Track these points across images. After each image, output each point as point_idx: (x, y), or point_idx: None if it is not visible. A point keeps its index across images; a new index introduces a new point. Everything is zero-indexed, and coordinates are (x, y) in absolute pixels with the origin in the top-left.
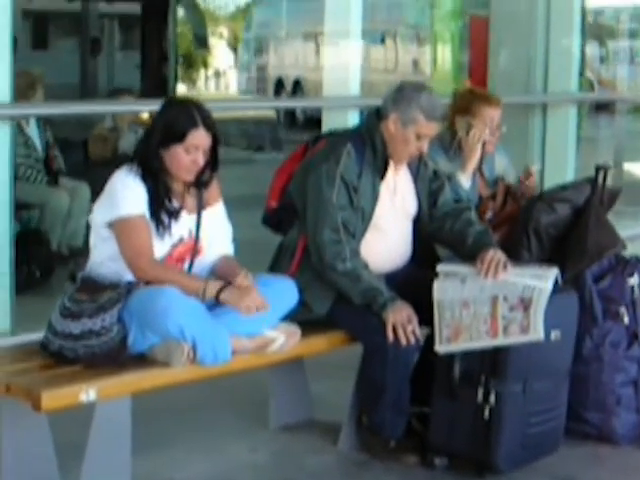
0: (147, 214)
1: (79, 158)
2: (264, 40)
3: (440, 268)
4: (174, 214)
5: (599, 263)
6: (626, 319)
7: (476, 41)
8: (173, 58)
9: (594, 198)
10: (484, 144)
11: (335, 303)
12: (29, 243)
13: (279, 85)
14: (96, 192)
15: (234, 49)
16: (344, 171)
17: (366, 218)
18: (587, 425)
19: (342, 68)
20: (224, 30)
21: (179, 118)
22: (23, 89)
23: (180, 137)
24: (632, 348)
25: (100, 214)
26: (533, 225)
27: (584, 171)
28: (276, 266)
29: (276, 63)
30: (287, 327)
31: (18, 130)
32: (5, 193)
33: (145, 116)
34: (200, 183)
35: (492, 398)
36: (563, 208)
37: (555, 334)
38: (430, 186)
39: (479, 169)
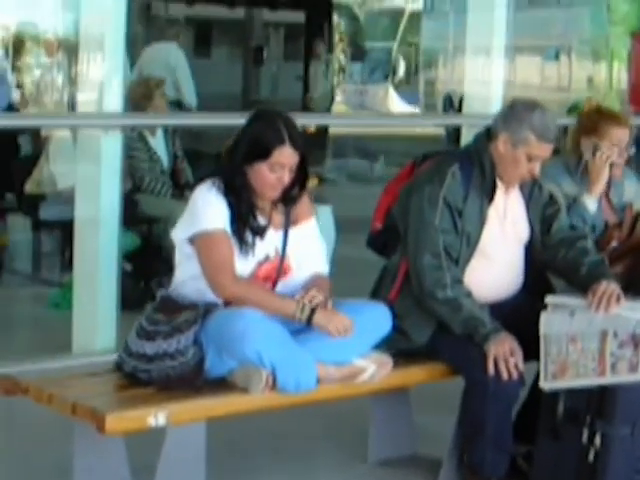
0: (229, 231)
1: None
2: (433, 53)
3: (549, 300)
4: (259, 231)
5: None
6: None
7: (638, 60)
8: (332, 69)
9: None
10: (612, 166)
11: (436, 332)
12: (148, 258)
13: (447, 101)
14: None
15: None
16: (447, 193)
17: (472, 243)
18: None
19: (484, 84)
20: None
21: (265, 133)
22: (139, 99)
23: (265, 154)
24: None
25: (182, 230)
26: None
27: None
28: (377, 291)
29: (445, 78)
30: (379, 357)
31: (141, 141)
32: (114, 209)
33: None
34: (288, 199)
35: (597, 440)
36: None
37: None
38: (544, 211)
39: (606, 194)
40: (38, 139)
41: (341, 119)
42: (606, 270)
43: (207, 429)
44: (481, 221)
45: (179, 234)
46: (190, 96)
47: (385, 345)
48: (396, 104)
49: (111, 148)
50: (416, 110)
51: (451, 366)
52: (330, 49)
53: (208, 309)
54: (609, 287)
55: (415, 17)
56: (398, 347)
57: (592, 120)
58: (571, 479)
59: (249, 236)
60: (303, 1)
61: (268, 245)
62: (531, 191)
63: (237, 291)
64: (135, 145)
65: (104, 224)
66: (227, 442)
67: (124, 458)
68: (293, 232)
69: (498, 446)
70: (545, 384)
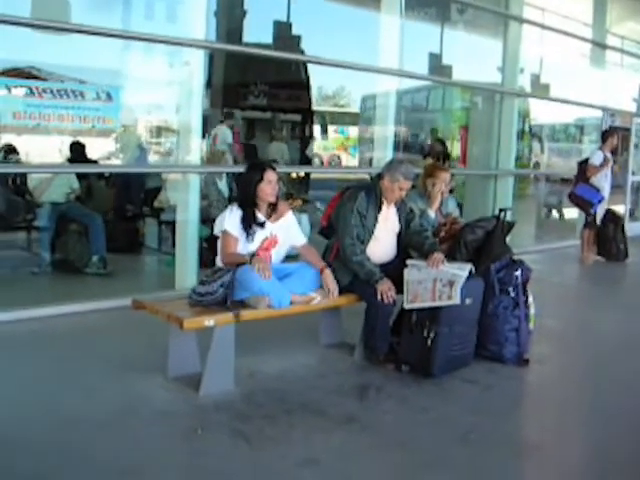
0: (240, 229)
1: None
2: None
3: (409, 262)
4: (261, 224)
5: (500, 262)
6: (512, 294)
7: (463, 142)
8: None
9: (497, 226)
10: (442, 193)
11: (352, 279)
12: (213, 241)
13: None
14: None
15: None
16: (358, 206)
17: (370, 233)
18: (489, 352)
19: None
20: None
21: (258, 167)
22: (218, 157)
23: (260, 178)
24: (515, 310)
25: (217, 227)
26: (462, 240)
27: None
28: (324, 256)
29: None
30: (322, 291)
31: (214, 183)
32: (195, 214)
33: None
34: (274, 205)
35: (432, 334)
36: (480, 231)
37: (469, 300)
38: (407, 216)
39: (439, 208)
40: (161, 178)
41: (305, 168)
42: (437, 247)
43: (236, 328)
44: (375, 221)
45: (216, 229)
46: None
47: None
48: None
49: (194, 183)
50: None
51: (360, 296)
52: (311, 134)
53: (229, 269)
54: (438, 256)
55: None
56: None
57: (430, 169)
58: (418, 355)
59: (254, 229)
60: (299, 110)
61: (267, 230)
62: (400, 206)
63: (230, 261)
64: (210, 183)
65: (191, 222)
66: (246, 336)
67: (195, 345)
68: (279, 222)
69: (383, 338)
70: (406, 305)
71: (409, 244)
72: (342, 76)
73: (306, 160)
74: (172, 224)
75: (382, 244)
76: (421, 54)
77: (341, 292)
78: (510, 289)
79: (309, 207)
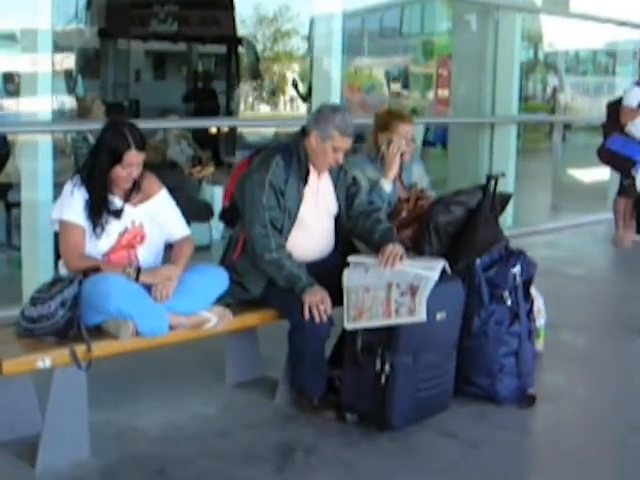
0: (85, 218)
1: None
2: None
3: (350, 259)
4: (115, 213)
5: (490, 255)
6: (509, 301)
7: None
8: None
9: (485, 201)
10: (402, 155)
11: (267, 286)
12: None
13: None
14: None
15: None
16: (272, 178)
17: (292, 216)
18: (476, 387)
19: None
20: None
21: (116, 142)
22: (83, 111)
23: (119, 159)
24: (514, 325)
25: (53, 212)
26: (433, 224)
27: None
28: (226, 254)
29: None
30: (220, 310)
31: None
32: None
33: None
34: (135, 184)
35: (387, 367)
36: (458, 209)
37: (441, 315)
38: (348, 190)
39: (399, 175)
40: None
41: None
42: (393, 236)
43: (95, 367)
44: (299, 199)
45: (52, 214)
46: None
47: (229, 297)
48: None
49: (45, 147)
50: None
51: (279, 312)
52: (237, 72)
53: (72, 279)
54: (394, 249)
55: None
56: (240, 298)
57: (385, 119)
58: (369, 397)
59: (104, 220)
60: (222, 38)
61: (126, 220)
62: (338, 175)
63: (78, 268)
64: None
65: (43, 204)
66: (119, 374)
67: (33, 395)
68: (146, 206)
69: (316, 372)
70: (347, 325)
71: (353, 232)
72: None
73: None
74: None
75: (311, 233)
76: None
77: (253, 305)
78: (505, 294)
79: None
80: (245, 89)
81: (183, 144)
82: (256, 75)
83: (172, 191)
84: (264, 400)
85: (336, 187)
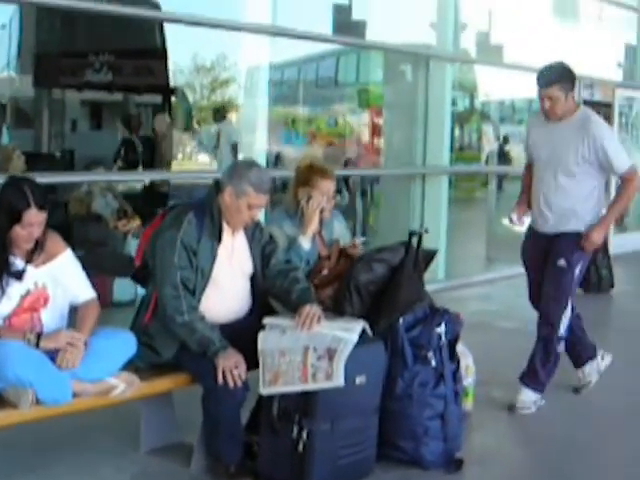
0: None
1: (62, 214)
2: None
3: (266, 320)
4: (16, 275)
5: (414, 314)
6: (433, 362)
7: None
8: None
9: (407, 259)
10: (322, 211)
11: (179, 349)
12: None
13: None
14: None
15: None
16: (184, 236)
17: (205, 276)
18: (400, 452)
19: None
20: None
21: (15, 200)
22: (3, 160)
23: (18, 218)
24: (439, 387)
25: None
26: (354, 282)
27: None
28: (138, 315)
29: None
30: (127, 376)
31: None
32: None
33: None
34: (38, 244)
35: (304, 434)
36: (380, 267)
37: (360, 379)
38: (264, 249)
39: (320, 232)
40: None
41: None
42: (311, 296)
43: None
44: (212, 258)
45: None
46: None
47: (140, 360)
48: None
49: None
50: None
51: (192, 376)
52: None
53: None
54: (312, 310)
55: None
56: (151, 361)
57: (305, 174)
58: (287, 465)
59: (5, 279)
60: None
61: (28, 281)
62: (253, 232)
63: None
64: None
65: None
66: (12, 446)
67: None
68: (50, 267)
69: (232, 438)
70: (263, 390)
71: (270, 292)
72: (223, 40)
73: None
74: None
75: (225, 293)
76: (321, 5)
77: (165, 369)
78: (430, 354)
79: None
80: (183, 139)
81: (108, 197)
82: (188, 126)
83: (96, 245)
84: (179, 467)
85: (251, 245)
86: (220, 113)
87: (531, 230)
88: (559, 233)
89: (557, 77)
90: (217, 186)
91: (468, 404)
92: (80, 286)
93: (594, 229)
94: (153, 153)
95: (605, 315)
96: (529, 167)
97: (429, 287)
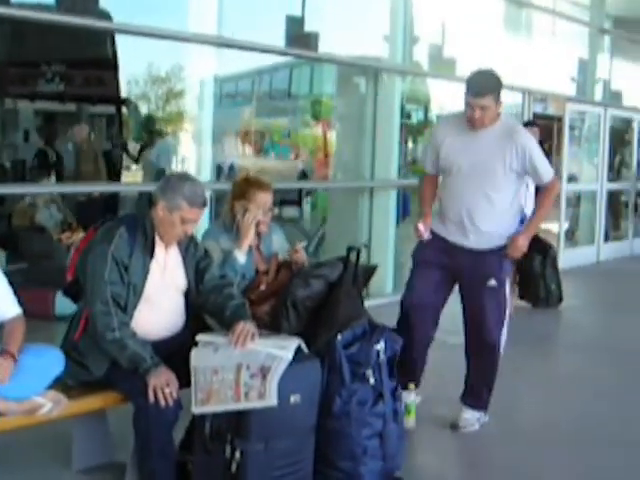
0: None
1: (4, 226)
2: None
3: (199, 337)
4: None
5: (352, 330)
6: (372, 380)
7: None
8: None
9: (346, 274)
10: (258, 224)
11: (110, 367)
12: None
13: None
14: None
15: None
16: (115, 251)
17: (137, 292)
18: (338, 471)
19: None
20: None
21: None
22: None
23: None
24: (377, 405)
25: None
26: (291, 298)
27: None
28: (69, 331)
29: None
30: (54, 394)
31: None
32: None
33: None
34: None
35: (237, 455)
36: (317, 283)
37: (295, 398)
38: (199, 264)
39: (257, 246)
40: None
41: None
42: (245, 312)
43: None
44: (144, 273)
45: None
46: None
47: (69, 377)
48: None
49: None
50: None
51: (123, 394)
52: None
53: None
54: (246, 327)
55: None
56: (80, 379)
57: (242, 187)
58: None
59: None
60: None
61: None
62: (187, 247)
63: None
64: None
65: None
66: None
67: None
68: None
69: (164, 457)
70: (195, 409)
71: (204, 308)
72: (179, 51)
73: (115, 172)
74: None
75: (158, 309)
76: (274, 17)
77: (96, 387)
78: (368, 372)
79: None
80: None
81: (52, 208)
82: (140, 137)
83: (40, 257)
84: None
85: (185, 260)
86: (155, 134)
87: (438, 237)
88: (481, 250)
89: (492, 87)
90: (149, 200)
91: (410, 421)
92: (6, 303)
93: (520, 235)
94: (79, 164)
95: (553, 330)
96: (430, 178)
97: (377, 301)
